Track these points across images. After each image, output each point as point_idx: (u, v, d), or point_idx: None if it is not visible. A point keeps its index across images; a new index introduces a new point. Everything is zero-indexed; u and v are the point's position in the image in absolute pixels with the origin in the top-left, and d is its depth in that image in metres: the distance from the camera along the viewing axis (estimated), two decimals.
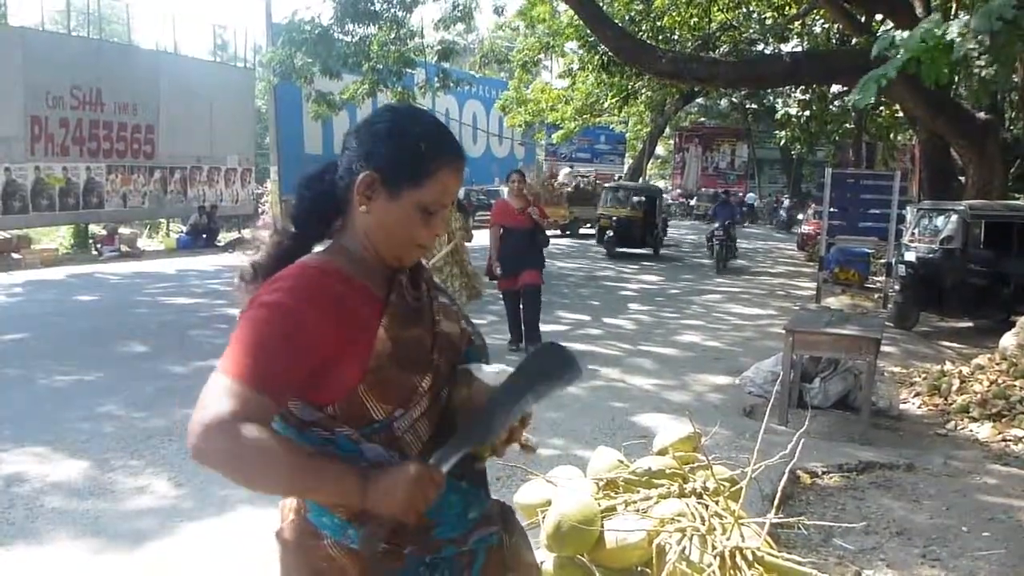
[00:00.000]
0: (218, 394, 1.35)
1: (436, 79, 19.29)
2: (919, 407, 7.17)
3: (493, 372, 1.60)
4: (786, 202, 36.83)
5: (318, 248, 1.63)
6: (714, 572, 2.00)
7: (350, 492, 1.41)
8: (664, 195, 37.65)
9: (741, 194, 37.07)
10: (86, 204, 19.35)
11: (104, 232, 19.53)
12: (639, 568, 2.22)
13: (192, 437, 1.33)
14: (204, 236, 20.64)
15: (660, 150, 46.49)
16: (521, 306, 8.55)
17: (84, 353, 8.09)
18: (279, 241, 1.63)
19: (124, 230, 19.94)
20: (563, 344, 1.68)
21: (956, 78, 10.94)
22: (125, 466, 5.02)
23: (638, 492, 2.36)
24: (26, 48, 17.51)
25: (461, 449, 1.48)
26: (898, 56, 5.49)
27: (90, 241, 19.68)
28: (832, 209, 13.96)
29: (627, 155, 42.33)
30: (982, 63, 6.10)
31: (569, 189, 27.35)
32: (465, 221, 8.53)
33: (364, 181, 1.54)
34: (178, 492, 4.62)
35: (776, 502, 2.32)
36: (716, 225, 18.76)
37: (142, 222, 22.58)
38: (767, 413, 2.74)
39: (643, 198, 21.40)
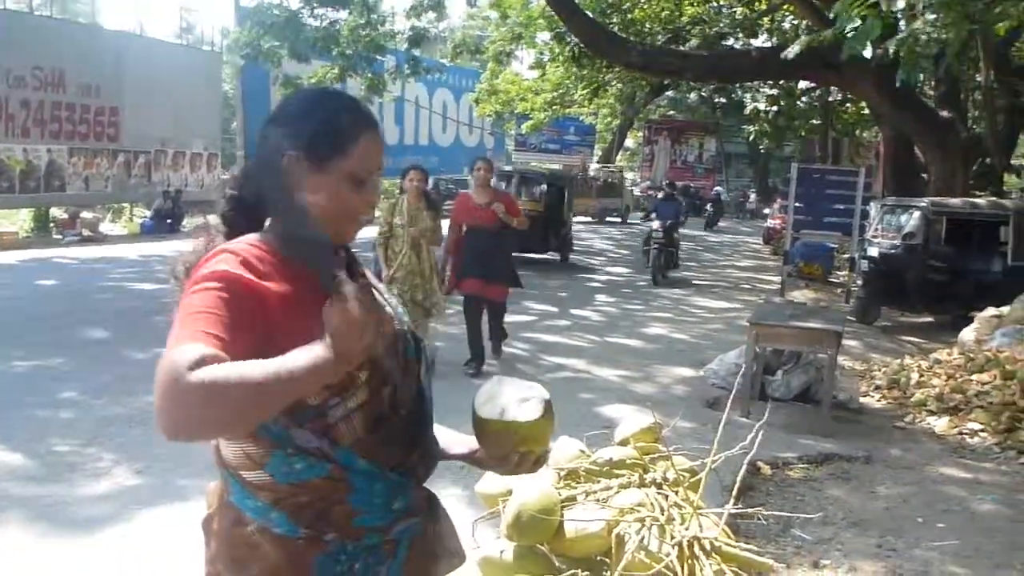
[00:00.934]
0: (168, 361, 1.27)
1: (406, 66, 19.20)
2: (879, 400, 7.27)
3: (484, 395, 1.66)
4: (753, 196, 37.16)
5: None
6: (672, 562, 2.01)
7: (307, 363, 1.33)
8: (634, 186, 38.20)
9: (708, 188, 37.27)
10: (47, 187, 19.03)
11: (66, 216, 19.22)
12: (598, 557, 2.23)
13: (158, 414, 1.25)
14: (168, 221, 20.38)
15: (629, 142, 46.61)
16: (489, 318, 7.49)
17: (43, 339, 7.95)
18: (217, 233, 1.61)
19: (86, 214, 19.63)
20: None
21: (922, 76, 11.09)
22: (83, 453, 4.96)
23: (599, 482, 2.37)
24: None
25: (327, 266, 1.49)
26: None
27: (51, 225, 19.37)
28: (797, 204, 14.12)
29: (596, 146, 42.39)
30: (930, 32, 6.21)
31: (599, 182, 29.79)
32: (434, 221, 6.86)
33: (288, 162, 1.54)
34: (137, 480, 4.57)
35: (735, 492, 2.34)
36: (655, 225, 14.71)
37: (105, 206, 22.25)
38: (728, 405, 2.76)
39: (546, 187, 17.04)
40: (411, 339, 1.69)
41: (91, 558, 3.70)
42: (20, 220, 20.07)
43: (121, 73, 20.44)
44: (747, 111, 24.16)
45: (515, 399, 1.62)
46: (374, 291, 1.66)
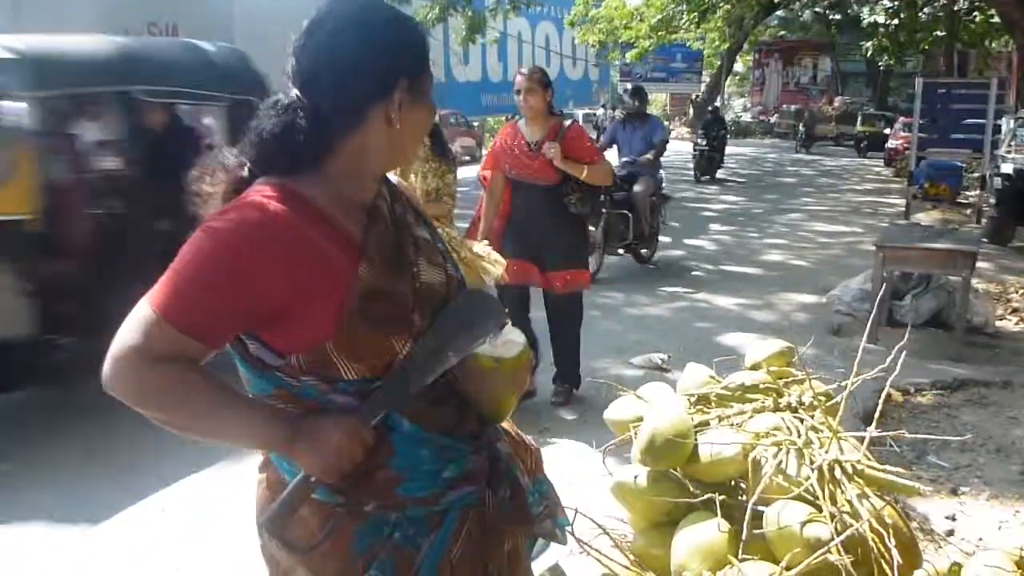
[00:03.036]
0: (134, 325, 1.25)
1: (507, 1, 18.94)
2: (1016, 324, 6.91)
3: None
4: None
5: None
6: (812, 485, 1.96)
7: (275, 440, 1.32)
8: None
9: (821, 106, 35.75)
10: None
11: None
12: (733, 482, 2.20)
13: (110, 371, 1.25)
14: None
15: (739, 67, 45.05)
16: (549, 322, 4.87)
17: None
18: (234, 188, 1.40)
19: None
20: (489, 291, 1.58)
21: None
22: None
23: (731, 407, 2.32)
24: None
25: (382, 408, 1.35)
26: None
27: None
28: (922, 121, 13.38)
29: (704, 73, 41.15)
30: None
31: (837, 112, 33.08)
32: (445, 175, 4.36)
33: (400, 91, 1.38)
34: None
35: (876, 415, 2.25)
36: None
37: None
38: (867, 330, 2.66)
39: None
40: (460, 281, 1.54)
41: None
42: None
43: (232, 26, 20.87)
44: (864, 25, 22.95)
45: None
46: (420, 229, 1.50)
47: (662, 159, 9.29)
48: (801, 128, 29.21)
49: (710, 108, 23.60)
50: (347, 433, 1.30)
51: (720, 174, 19.62)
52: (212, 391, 1.28)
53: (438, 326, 1.41)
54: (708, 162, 19.04)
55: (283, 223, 1.29)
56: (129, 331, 1.25)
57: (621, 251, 8.75)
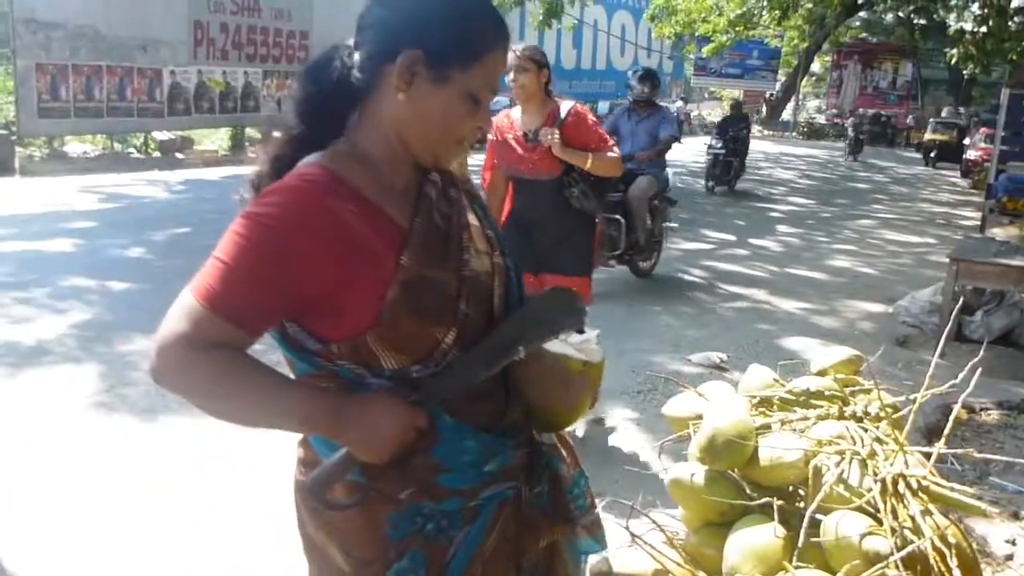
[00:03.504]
0: (179, 315, 1.24)
1: None
2: None
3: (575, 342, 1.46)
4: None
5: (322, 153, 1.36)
6: (874, 498, 1.92)
7: (318, 418, 1.28)
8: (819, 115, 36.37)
9: (902, 116, 34.87)
10: (243, 108, 20.07)
11: (259, 136, 20.27)
12: (792, 488, 2.17)
13: (157, 358, 1.24)
14: None
15: (816, 67, 44.14)
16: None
17: None
18: (283, 145, 1.42)
19: (278, 134, 20.61)
20: (572, 290, 1.49)
21: None
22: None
23: (795, 412, 2.28)
24: None
25: (440, 394, 1.31)
26: None
27: (246, 144, 20.49)
28: (1005, 133, 12.96)
29: (780, 72, 40.39)
30: None
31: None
32: None
33: (407, 60, 1.29)
34: None
35: (946, 431, 2.20)
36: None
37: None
38: (939, 342, 2.59)
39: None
40: (514, 277, 1.48)
41: None
42: (219, 139, 21.34)
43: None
44: (950, 32, 22.27)
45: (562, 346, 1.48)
46: (470, 214, 1.46)
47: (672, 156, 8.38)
48: (850, 132, 26.36)
49: (732, 103, 20.22)
50: (399, 419, 1.27)
51: (741, 185, 16.62)
52: (261, 376, 1.26)
53: (516, 318, 1.40)
54: (724, 168, 15.79)
55: (325, 209, 1.26)
56: (175, 321, 1.24)
57: (613, 262, 7.53)
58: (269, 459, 3.35)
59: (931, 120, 28.64)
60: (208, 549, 3.20)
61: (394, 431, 1.27)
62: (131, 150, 18.47)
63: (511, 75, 3.95)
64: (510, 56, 3.44)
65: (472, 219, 1.45)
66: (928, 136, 26.43)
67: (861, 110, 36.12)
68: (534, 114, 4.06)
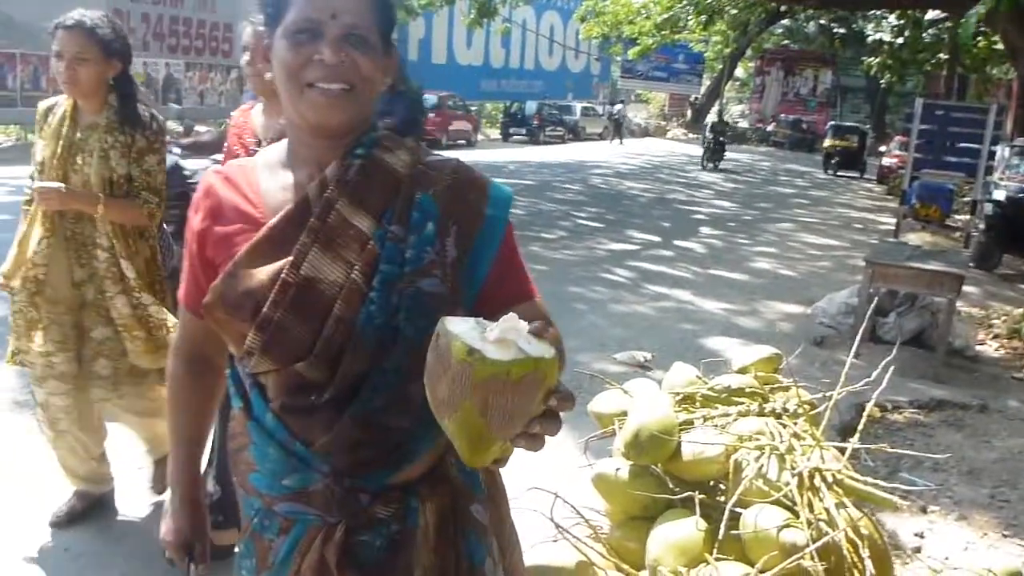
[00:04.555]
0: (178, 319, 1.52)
1: None
2: (996, 349, 6.98)
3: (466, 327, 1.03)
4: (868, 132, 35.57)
5: None
6: (791, 491, 1.98)
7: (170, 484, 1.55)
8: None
9: (821, 123, 35.84)
10: (164, 100, 19.61)
11: (181, 129, 19.83)
12: (713, 482, 2.22)
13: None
14: None
15: (740, 72, 45.12)
16: None
17: None
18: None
19: (200, 128, 20.22)
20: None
21: None
22: None
23: (716, 408, 2.34)
24: None
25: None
26: None
27: (167, 137, 20.04)
28: (919, 141, 13.46)
29: (705, 76, 41.18)
30: None
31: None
32: (143, 156, 2.99)
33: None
34: None
35: (860, 427, 2.28)
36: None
37: (218, 121, 22.86)
38: (855, 342, 2.69)
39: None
40: (379, 307, 1.23)
41: None
42: None
43: None
44: (869, 41, 23.02)
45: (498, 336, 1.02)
46: (360, 226, 1.27)
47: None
48: (708, 135, 23.58)
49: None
50: (169, 536, 1.51)
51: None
52: (175, 416, 1.51)
53: None
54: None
55: (204, 190, 1.36)
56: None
57: None
58: None
59: (830, 124, 27.17)
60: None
61: (168, 539, 1.51)
62: None
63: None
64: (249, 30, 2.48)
65: (361, 223, 1.26)
66: (829, 142, 25.01)
67: (783, 116, 37.10)
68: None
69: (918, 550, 3.44)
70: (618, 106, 31.57)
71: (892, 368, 6.22)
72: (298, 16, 1.22)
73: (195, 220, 1.35)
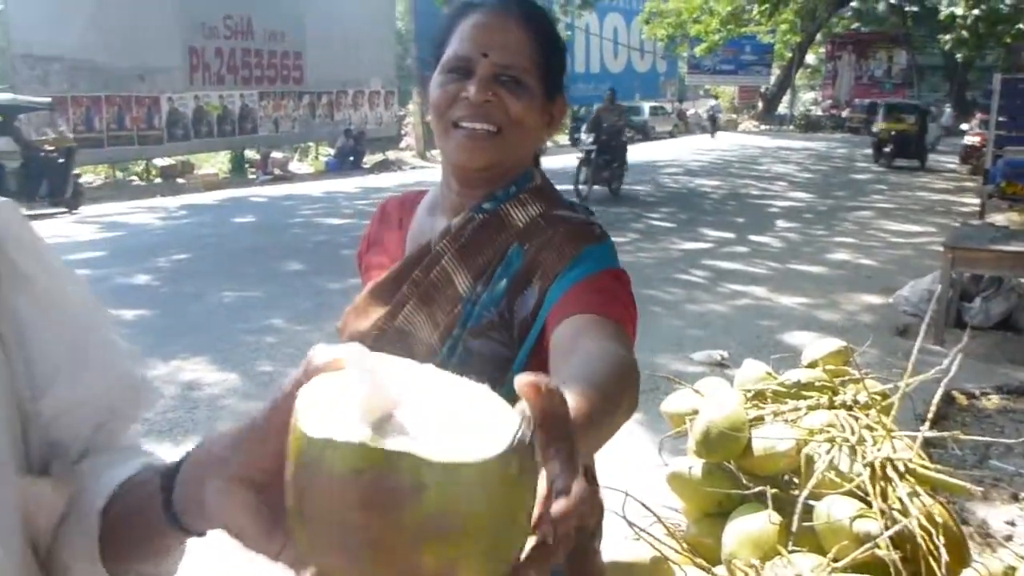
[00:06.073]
0: None
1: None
2: None
3: None
4: (948, 111, 34.49)
5: None
6: (864, 482, 2.00)
7: None
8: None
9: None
10: (241, 130, 20.26)
11: (258, 157, 20.42)
12: (785, 477, 2.25)
13: None
14: (351, 159, 21.26)
15: (810, 59, 44.25)
16: None
17: (246, 271, 8.60)
18: None
19: (276, 154, 20.80)
20: None
21: None
22: (288, 374, 5.38)
23: (786, 403, 2.36)
24: None
25: None
26: None
27: (246, 165, 20.65)
28: (1000, 118, 13.03)
29: (774, 65, 40.51)
30: None
31: None
32: None
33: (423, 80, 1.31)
34: None
35: (931, 416, 2.28)
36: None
37: (292, 146, 23.49)
38: (923, 331, 2.67)
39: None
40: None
41: None
42: (219, 162, 21.51)
43: (303, 17, 21.29)
44: (942, 17, 22.32)
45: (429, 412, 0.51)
46: (461, 286, 1.23)
47: None
48: (585, 140, 13.91)
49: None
50: None
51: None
52: None
53: None
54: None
55: (376, 218, 1.40)
56: None
57: None
58: None
59: (882, 104, 23.10)
60: None
61: None
62: (133, 177, 18.63)
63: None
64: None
65: (460, 283, 1.21)
66: (879, 125, 20.93)
67: (857, 100, 36.24)
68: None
69: (1009, 538, 3.38)
70: (712, 102, 33.10)
71: (979, 354, 6.10)
72: (452, 54, 1.19)
73: (361, 243, 1.40)
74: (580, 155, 13.64)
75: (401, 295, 1.22)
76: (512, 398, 0.52)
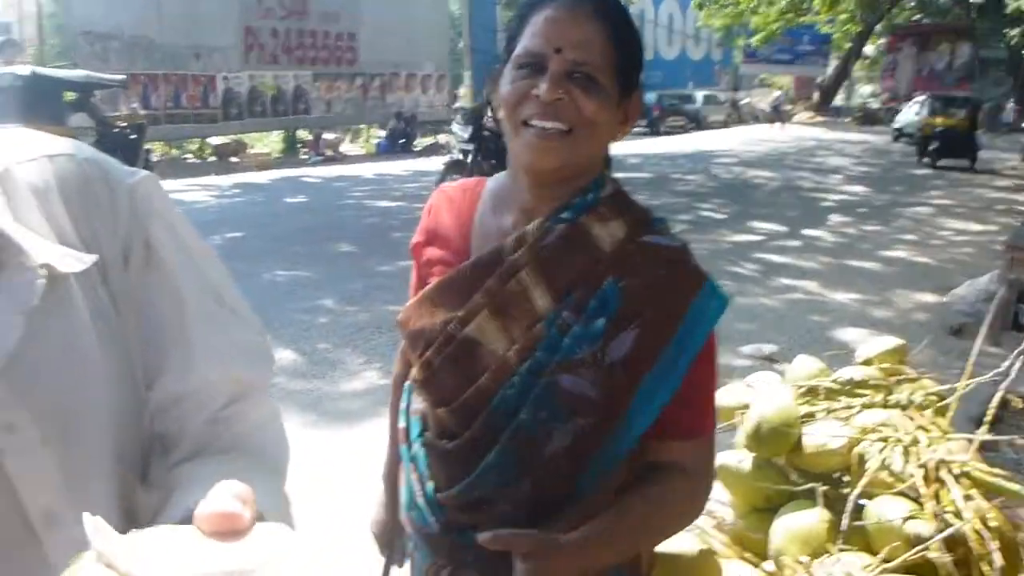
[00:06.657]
0: None
1: None
2: None
3: None
4: (1011, 107, 33.55)
5: None
6: (916, 483, 1.98)
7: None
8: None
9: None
10: (294, 111, 20.47)
11: (311, 137, 20.62)
12: (836, 474, 2.23)
13: None
14: (402, 141, 21.39)
15: (869, 50, 43.33)
16: None
17: (298, 251, 8.71)
18: None
19: (328, 135, 20.97)
20: None
21: None
22: (340, 354, 5.46)
23: (839, 400, 2.34)
24: None
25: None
26: None
27: (298, 146, 20.86)
28: None
29: (831, 56, 39.77)
30: None
31: None
32: None
33: (497, 75, 1.21)
34: (386, 381, 4.98)
35: (988, 419, 2.24)
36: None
37: (345, 128, 23.67)
38: (982, 331, 2.64)
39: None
40: (516, 393, 1.15)
41: (353, 446, 4.10)
42: (271, 142, 21.77)
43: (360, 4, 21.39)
44: (1009, 11, 21.71)
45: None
46: (539, 302, 1.18)
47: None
48: (459, 136, 11.83)
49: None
50: None
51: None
52: (393, 407, 1.51)
53: None
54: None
55: (432, 209, 1.35)
56: None
57: None
58: None
59: (927, 97, 20.63)
60: None
61: (373, 530, 1.63)
62: (188, 155, 18.94)
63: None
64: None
65: (539, 300, 1.17)
66: (927, 119, 18.78)
67: (917, 93, 35.43)
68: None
69: None
70: (777, 93, 33.38)
71: None
72: (523, 49, 1.15)
73: (417, 233, 1.35)
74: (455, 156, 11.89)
75: (475, 304, 1.19)
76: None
